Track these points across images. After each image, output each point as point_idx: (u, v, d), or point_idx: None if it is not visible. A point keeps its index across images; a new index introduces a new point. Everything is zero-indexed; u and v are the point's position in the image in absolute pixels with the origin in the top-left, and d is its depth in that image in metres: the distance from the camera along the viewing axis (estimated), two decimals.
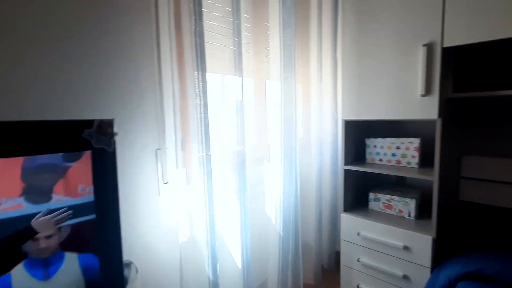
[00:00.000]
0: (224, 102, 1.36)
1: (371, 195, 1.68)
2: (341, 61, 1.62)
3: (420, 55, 1.29)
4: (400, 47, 1.37)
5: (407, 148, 1.56)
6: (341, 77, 1.64)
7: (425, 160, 1.57)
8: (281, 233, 1.46)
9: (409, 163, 1.56)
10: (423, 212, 1.57)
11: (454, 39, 1.23)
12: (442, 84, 1.29)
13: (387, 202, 1.62)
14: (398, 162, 1.59)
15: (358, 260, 1.58)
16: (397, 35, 1.38)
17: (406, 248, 1.40)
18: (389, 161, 1.63)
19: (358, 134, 1.74)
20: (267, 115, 1.64)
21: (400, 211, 1.58)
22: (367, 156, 1.71)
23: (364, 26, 1.48)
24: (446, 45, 1.25)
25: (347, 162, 1.66)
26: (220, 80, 1.39)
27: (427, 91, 1.30)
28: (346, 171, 1.65)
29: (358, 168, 1.61)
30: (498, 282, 1.12)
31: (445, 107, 1.38)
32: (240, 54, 1.25)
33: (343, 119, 1.63)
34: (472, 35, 1.19)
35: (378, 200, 1.66)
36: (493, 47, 1.33)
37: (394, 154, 1.61)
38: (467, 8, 1.19)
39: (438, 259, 1.36)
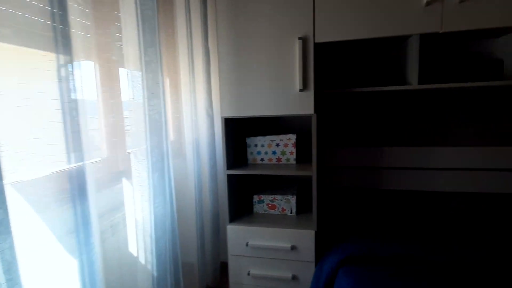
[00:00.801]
0: (33, 97, 0.79)
1: (255, 198, 1.58)
2: (215, 53, 1.40)
3: (297, 48, 1.26)
4: (278, 39, 1.29)
5: (286, 145, 1.54)
6: (217, 71, 1.41)
7: (300, 154, 1.60)
8: (155, 274, 1.07)
9: (288, 159, 1.55)
10: (302, 206, 1.61)
11: (325, 36, 1.26)
12: (316, 79, 1.31)
13: (271, 203, 1.56)
14: (279, 159, 1.56)
15: (248, 274, 1.43)
16: (275, 26, 1.29)
17: (293, 248, 1.37)
18: (271, 159, 1.56)
19: (237, 133, 1.58)
20: (124, 114, 1.18)
21: (283, 209, 1.55)
22: (249, 156, 1.59)
23: (240, 11, 1.32)
24: (317, 40, 1.26)
25: (229, 165, 1.46)
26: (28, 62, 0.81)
27: (305, 85, 1.28)
28: (229, 176, 1.45)
29: (241, 171, 1.45)
30: (372, 259, 1.22)
31: (321, 102, 1.42)
32: (64, 21, 0.76)
33: (222, 117, 1.42)
34: (340, 32, 1.25)
35: (262, 202, 1.57)
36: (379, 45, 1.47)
37: (274, 152, 1.55)
38: (334, 6, 1.24)
39: (323, 252, 1.40)
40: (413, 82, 1.37)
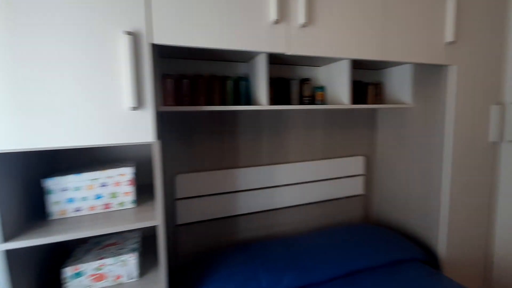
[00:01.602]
0: None
1: (69, 271, 1.00)
2: None
3: (123, 47, 0.86)
4: (91, 29, 0.84)
5: (117, 183, 1.08)
6: None
7: (141, 192, 1.19)
8: None
9: (121, 203, 1.09)
10: (147, 262, 1.19)
11: (165, 36, 0.94)
12: (160, 93, 0.96)
13: (97, 272, 1.04)
14: (107, 206, 1.07)
15: None
16: (83, 5, 0.83)
17: None
18: (93, 207, 1.05)
19: (28, 173, 0.96)
20: None
21: (118, 276, 1.07)
22: (52, 208, 0.99)
23: None
24: (156, 41, 0.92)
25: (9, 233, 0.83)
26: None
27: (139, 102, 0.90)
28: (9, 254, 0.82)
29: (37, 239, 0.85)
30: None
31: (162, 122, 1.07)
32: None
33: None
34: (184, 37, 0.97)
35: (82, 275, 1.02)
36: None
37: (99, 196, 1.05)
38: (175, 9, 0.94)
39: None
40: (263, 102, 1.31)
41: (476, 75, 1.53)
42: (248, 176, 1.61)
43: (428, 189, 1.63)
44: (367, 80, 1.88)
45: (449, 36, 1.40)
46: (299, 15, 1.14)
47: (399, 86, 1.76)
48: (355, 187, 1.90)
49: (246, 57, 1.39)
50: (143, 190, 1.31)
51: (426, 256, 1.52)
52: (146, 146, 1.40)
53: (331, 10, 1.20)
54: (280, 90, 1.55)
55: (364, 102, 1.74)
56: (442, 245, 1.56)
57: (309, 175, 1.76)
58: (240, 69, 1.54)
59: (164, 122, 1.43)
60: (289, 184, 1.72)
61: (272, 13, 1.09)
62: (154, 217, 1.00)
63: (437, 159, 1.57)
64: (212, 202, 1.53)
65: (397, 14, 1.32)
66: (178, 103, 1.34)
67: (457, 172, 1.54)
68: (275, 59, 1.43)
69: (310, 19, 1.17)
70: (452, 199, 1.55)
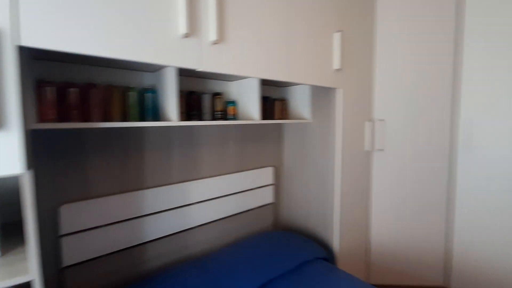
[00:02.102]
0: None
1: None
2: None
3: None
4: None
5: None
6: None
7: (8, 234, 0.89)
8: None
9: None
10: None
11: (37, 38, 0.74)
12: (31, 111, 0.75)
13: None
14: None
15: None
16: None
17: None
18: None
19: None
20: None
21: None
22: None
23: None
24: (24, 43, 0.71)
25: None
26: None
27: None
28: None
29: None
30: None
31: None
32: None
33: None
34: (64, 40, 0.78)
35: None
36: None
37: None
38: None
39: None
40: (173, 117, 1.22)
41: (355, 97, 1.87)
42: (157, 197, 1.45)
43: (325, 193, 1.88)
44: (274, 96, 2.03)
45: (336, 64, 1.67)
46: (210, 31, 1.12)
47: (301, 103, 1.98)
48: (266, 196, 2.01)
49: (152, 67, 1.26)
50: (11, 230, 0.99)
51: (326, 253, 1.74)
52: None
53: (242, 29, 1.23)
54: (191, 104, 1.48)
55: (272, 117, 1.86)
56: (336, 242, 1.82)
57: (223, 189, 1.74)
58: (146, 79, 1.39)
59: (42, 141, 1.13)
60: (203, 201, 1.66)
61: (182, 26, 1.03)
62: (27, 269, 0.76)
63: (331, 166, 1.82)
64: (111, 232, 1.31)
65: (299, 42, 1.47)
66: (63, 117, 1.08)
67: (345, 176, 1.83)
68: (185, 71, 1.36)
69: (222, 36, 1.16)
70: (342, 199, 1.83)
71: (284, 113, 1.98)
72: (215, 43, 1.14)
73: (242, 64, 1.25)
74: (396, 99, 2.01)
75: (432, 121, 2.00)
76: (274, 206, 2.13)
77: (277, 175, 2.14)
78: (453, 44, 1.94)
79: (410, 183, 2.05)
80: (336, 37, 1.65)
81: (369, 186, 2.08)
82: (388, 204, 2.08)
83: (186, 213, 1.58)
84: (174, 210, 1.52)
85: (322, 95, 1.85)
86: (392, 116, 2.03)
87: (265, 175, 1.99)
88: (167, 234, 1.50)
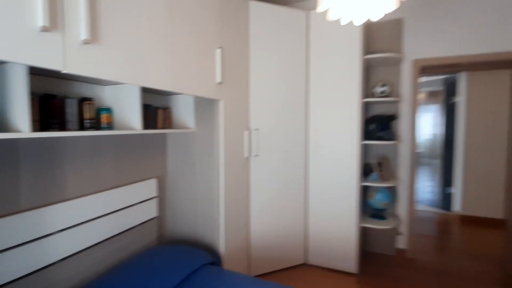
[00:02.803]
0: None
1: None
2: None
3: None
4: None
5: None
6: None
7: None
8: None
9: None
10: None
11: None
12: None
13: None
14: None
15: None
16: None
17: None
18: None
19: None
20: None
21: None
22: None
23: None
24: None
25: None
26: None
27: None
28: None
29: None
30: None
31: None
32: None
33: None
34: None
35: None
36: None
37: None
38: None
39: None
40: (23, 127, 0.96)
41: (235, 108, 2.06)
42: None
43: (211, 199, 1.95)
44: (156, 104, 1.93)
45: (218, 78, 1.79)
46: (81, 29, 0.97)
47: (185, 112, 1.98)
48: (150, 210, 1.87)
49: None
50: None
51: (214, 257, 1.81)
52: None
53: (121, 33, 1.13)
54: (51, 111, 1.20)
55: (155, 126, 1.77)
56: (222, 244, 1.93)
57: (97, 210, 1.50)
58: None
59: None
60: (70, 227, 1.37)
61: (40, 18, 0.84)
62: None
63: (215, 172, 1.92)
64: None
65: (184, 55, 1.49)
66: None
67: (228, 181, 1.98)
68: (39, 69, 1.10)
69: (95, 37, 1.03)
70: (226, 203, 1.96)
71: (168, 122, 1.92)
72: (86, 42, 0.99)
73: (120, 70, 1.14)
74: (268, 111, 2.36)
75: (294, 130, 2.48)
76: (159, 219, 2.01)
77: (161, 186, 2.05)
78: (305, 69, 2.49)
79: (279, 181, 2.44)
80: (218, 53, 1.78)
81: (248, 188, 2.33)
82: (264, 202, 2.39)
83: (45, 245, 1.25)
84: (26, 245, 1.18)
85: (205, 105, 1.93)
86: (265, 126, 2.36)
87: (148, 187, 1.86)
88: (15, 278, 1.14)
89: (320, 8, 1.14)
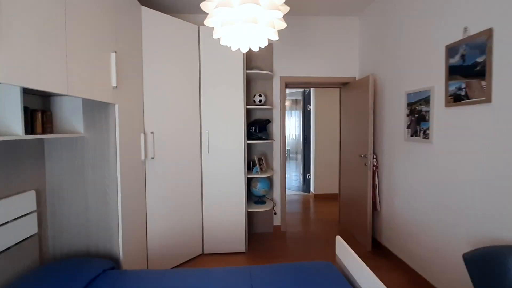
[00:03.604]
0: None
1: None
2: None
3: None
4: None
5: None
6: None
7: None
8: None
9: None
10: None
11: None
12: None
13: None
14: None
15: None
16: None
17: None
18: None
19: None
20: None
21: None
22: None
23: None
24: None
25: None
26: None
27: None
28: None
29: None
30: None
31: None
32: None
33: None
34: None
35: None
36: None
37: None
38: None
39: None
40: None
41: (130, 112, 2.07)
42: None
43: (106, 205, 1.90)
44: (33, 106, 1.69)
45: (114, 82, 1.78)
46: None
47: (71, 116, 1.82)
48: (27, 227, 1.63)
49: None
50: None
51: (113, 263, 1.79)
52: None
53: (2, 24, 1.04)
54: None
55: (33, 131, 1.57)
56: (121, 249, 1.92)
57: None
58: None
59: None
60: None
61: None
62: None
63: (111, 178, 1.89)
64: None
65: (79, 58, 1.43)
66: None
67: (125, 185, 1.98)
68: None
69: None
70: (124, 206, 1.96)
71: (49, 127, 1.72)
72: None
73: None
74: (163, 115, 2.46)
75: (189, 133, 2.68)
76: (39, 237, 1.77)
77: (41, 199, 1.80)
78: (198, 78, 2.73)
79: (176, 181, 2.59)
80: (113, 57, 1.77)
81: (144, 190, 2.36)
82: (161, 201, 2.48)
83: None
84: None
85: (98, 109, 1.86)
86: (161, 129, 2.45)
87: (25, 201, 1.61)
88: None
89: (214, 35, 1.42)
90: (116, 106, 1.86)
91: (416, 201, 2.35)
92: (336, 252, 1.83)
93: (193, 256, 2.78)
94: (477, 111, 1.74)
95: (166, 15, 2.45)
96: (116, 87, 1.84)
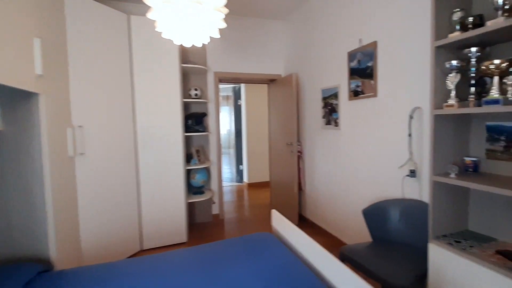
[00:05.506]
0: None
1: None
2: None
3: None
4: None
5: None
6: None
7: None
8: None
9: None
10: None
11: None
12: None
13: None
14: None
15: None
16: None
17: None
18: None
19: None
20: None
21: None
22: None
23: None
24: None
25: None
26: None
27: None
28: None
29: None
30: None
31: None
32: None
33: None
34: None
35: None
36: None
37: None
38: None
39: None
40: None
41: (57, 104, 1.92)
42: None
43: (32, 206, 1.73)
44: None
45: (38, 69, 1.64)
46: None
47: None
48: None
49: None
50: None
51: (46, 266, 1.67)
52: None
53: None
54: None
55: None
56: (53, 248, 1.78)
57: None
58: None
59: None
60: None
61: None
62: None
63: (37, 176, 1.73)
64: None
65: None
66: None
67: (54, 183, 1.83)
68: None
69: None
70: (54, 206, 1.82)
71: None
72: None
73: None
74: (92, 108, 2.32)
75: (121, 127, 2.58)
76: None
77: None
78: (129, 70, 2.65)
79: (109, 178, 2.49)
80: (37, 42, 1.62)
81: (75, 188, 2.21)
82: (94, 199, 2.35)
83: None
84: None
85: (19, 101, 1.67)
86: (91, 123, 2.31)
87: None
88: None
89: (156, 28, 1.49)
90: (42, 96, 1.71)
91: (331, 179, 2.89)
92: (273, 224, 2.15)
93: (132, 254, 2.71)
94: (368, 103, 2.30)
95: (92, 0, 2.30)
96: (42, 75, 1.69)
